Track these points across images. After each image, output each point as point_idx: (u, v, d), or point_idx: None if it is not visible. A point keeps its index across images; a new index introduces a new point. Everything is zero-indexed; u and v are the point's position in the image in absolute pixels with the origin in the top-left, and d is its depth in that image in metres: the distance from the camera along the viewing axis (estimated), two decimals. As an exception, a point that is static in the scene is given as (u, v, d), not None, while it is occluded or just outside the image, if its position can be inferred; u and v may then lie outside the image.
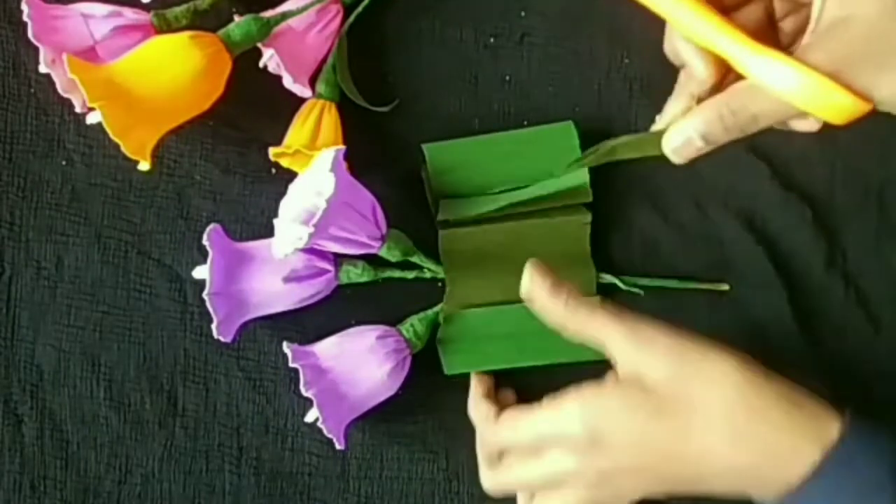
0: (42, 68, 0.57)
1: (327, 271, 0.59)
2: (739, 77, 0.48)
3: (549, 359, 0.60)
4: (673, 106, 0.50)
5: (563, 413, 0.51)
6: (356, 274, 0.60)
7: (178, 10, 0.60)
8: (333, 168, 0.56)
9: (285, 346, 0.58)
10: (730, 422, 0.49)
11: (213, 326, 0.57)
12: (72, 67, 0.54)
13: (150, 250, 0.62)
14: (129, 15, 0.59)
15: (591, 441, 0.50)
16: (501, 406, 0.58)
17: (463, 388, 0.62)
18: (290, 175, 0.61)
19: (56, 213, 0.62)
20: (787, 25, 0.51)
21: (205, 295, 0.57)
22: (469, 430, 0.62)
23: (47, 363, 0.61)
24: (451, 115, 0.63)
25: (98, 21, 0.58)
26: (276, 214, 0.59)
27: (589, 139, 0.63)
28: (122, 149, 0.54)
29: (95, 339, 0.62)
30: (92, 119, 0.56)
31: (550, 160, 0.60)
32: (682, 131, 0.49)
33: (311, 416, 0.58)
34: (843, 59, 0.45)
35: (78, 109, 0.59)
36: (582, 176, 0.60)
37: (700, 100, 0.49)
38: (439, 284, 0.61)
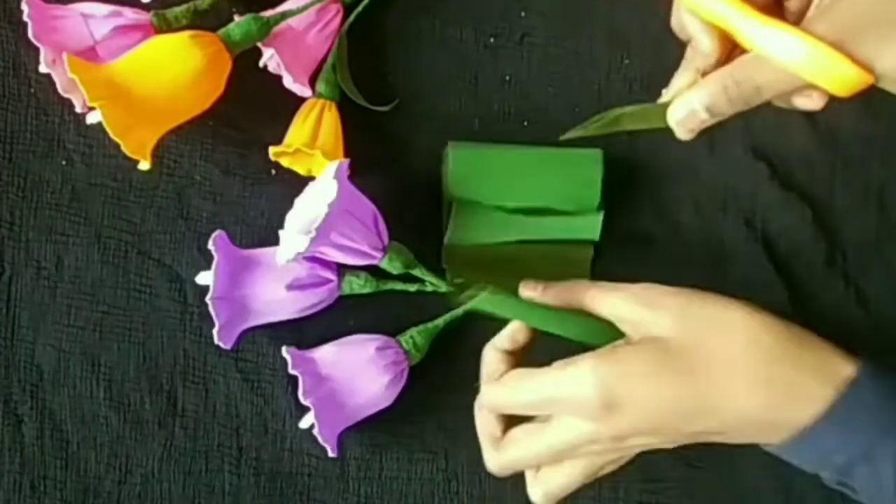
0: (42, 68, 0.57)
1: (330, 281, 0.59)
2: (745, 52, 0.49)
3: (560, 330, 0.58)
4: (679, 79, 0.51)
5: (575, 376, 0.50)
6: (359, 285, 0.60)
7: (178, 9, 0.60)
8: (337, 176, 0.56)
9: (284, 351, 0.58)
10: (748, 367, 0.49)
11: (215, 332, 0.57)
12: (72, 67, 0.54)
13: (150, 250, 0.62)
14: (129, 15, 0.59)
15: (606, 406, 0.49)
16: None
17: (462, 388, 0.62)
18: (291, 176, 0.61)
19: (56, 213, 0.62)
20: (791, 5, 0.52)
21: (208, 299, 0.57)
22: (469, 431, 0.62)
23: (47, 363, 0.61)
24: (451, 115, 0.63)
25: (98, 21, 0.58)
26: (276, 215, 0.59)
27: (587, 139, 0.63)
28: (123, 148, 0.54)
29: (95, 339, 0.62)
30: (92, 119, 0.56)
31: (572, 184, 0.60)
32: (686, 103, 0.49)
33: (305, 422, 0.58)
34: (846, 30, 0.46)
35: (78, 109, 0.59)
36: (594, 230, 0.60)
37: (705, 74, 0.50)
38: (440, 297, 0.61)
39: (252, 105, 0.62)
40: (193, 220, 0.62)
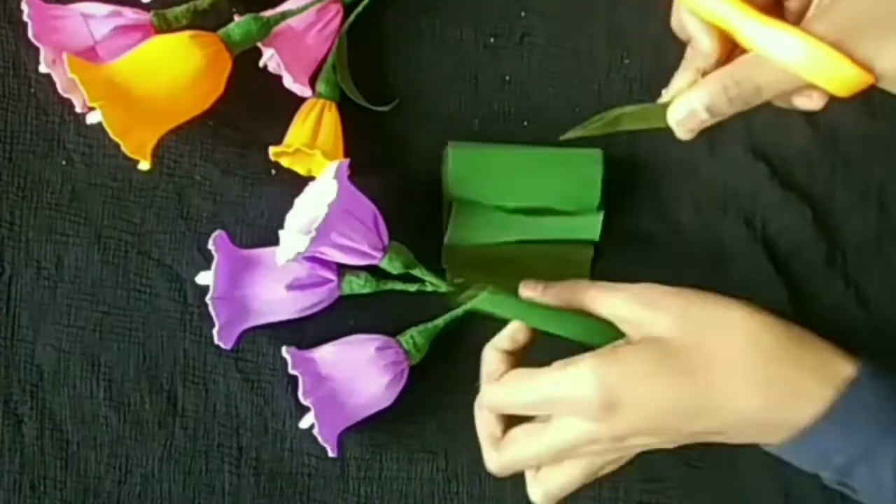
0: (42, 68, 0.57)
1: (330, 280, 0.59)
2: (745, 52, 0.49)
3: (560, 330, 0.57)
4: (679, 79, 0.51)
5: (575, 376, 0.50)
6: (359, 285, 0.60)
7: (178, 9, 0.60)
8: (337, 176, 0.56)
9: (284, 351, 0.58)
10: (748, 367, 0.49)
11: (215, 332, 0.57)
12: (72, 67, 0.54)
13: (150, 250, 0.62)
14: (130, 15, 0.59)
15: (605, 406, 0.49)
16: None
17: (462, 388, 0.62)
18: (291, 176, 0.61)
19: (56, 213, 0.62)
20: (791, 5, 0.52)
21: (208, 299, 0.57)
22: (469, 431, 0.62)
23: (47, 363, 0.61)
24: (451, 115, 0.63)
25: (98, 21, 0.58)
26: (276, 215, 0.59)
27: (588, 139, 0.63)
28: (122, 148, 0.54)
29: (95, 339, 0.62)
30: (92, 119, 0.56)
31: (572, 184, 0.60)
32: (686, 103, 0.49)
33: (305, 422, 0.58)
34: (845, 30, 0.46)
35: (78, 109, 0.59)
36: (594, 230, 0.61)
37: (705, 74, 0.50)
38: (440, 297, 0.61)
39: (252, 105, 0.62)
40: (193, 220, 0.62)
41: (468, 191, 0.60)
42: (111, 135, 0.54)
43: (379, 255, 0.58)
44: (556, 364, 0.51)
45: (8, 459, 0.61)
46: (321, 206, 0.55)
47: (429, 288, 0.61)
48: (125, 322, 0.62)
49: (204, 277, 0.59)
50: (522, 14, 0.63)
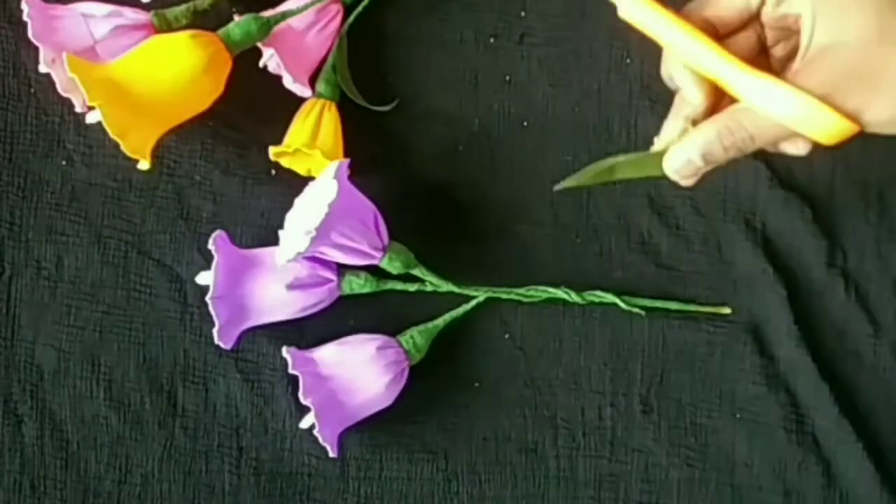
0: (42, 68, 0.57)
1: (330, 280, 0.59)
2: (733, 101, 0.50)
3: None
4: (669, 128, 0.52)
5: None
6: (358, 284, 0.60)
7: (178, 9, 0.60)
8: (337, 175, 0.56)
9: (285, 351, 0.58)
10: None
11: (215, 332, 0.57)
12: (72, 67, 0.54)
13: (150, 250, 0.62)
14: (129, 15, 0.59)
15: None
16: None
17: (462, 388, 0.62)
18: (291, 176, 0.61)
19: (56, 213, 0.62)
20: (777, 52, 0.53)
21: (208, 299, 0.57)
22: (468, 431, 0.62)
23: (47, 363, 0.61)
24: (451, 115, 0.63)
25: (98, 21, 0.58)
26: (275, 215, 0.59)
27: (588, 141, 0.63)
28: (122, 148, 0.54)
29: (95, 340, 0.62)
30: (91, 118, 0.56)
31: None
32: (682, 152, 0.50)
33: (306, 423, 0.58)
34: (832, 83, 0.47)
35: (78, 109, 0.59)
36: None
37: (695, 123, 0.51)
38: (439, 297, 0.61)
39: (252, 105, 0.61)
40: (193, 220, 0.62)
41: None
42: (111, 134, 0.54)
43: (379, 254, 0.58)
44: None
45: (8, 459, 0.61)
46: (321, 206, 0.55)
47: (429, 288, 0.61)
48: (125, 322, 0.62)
49: (204, 277, 0.59)
50: (522, 14, 0.63)
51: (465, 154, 0.63)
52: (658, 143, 0.52)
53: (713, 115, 0.50)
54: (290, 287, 0.58)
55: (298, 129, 0.60)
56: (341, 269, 0.60)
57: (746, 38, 0.52)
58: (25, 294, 0.62)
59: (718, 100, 0.51)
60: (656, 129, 0.62)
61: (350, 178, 0.58)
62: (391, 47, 0.63)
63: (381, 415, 0.59)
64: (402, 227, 0.60)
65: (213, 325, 0.57)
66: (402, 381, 0.59)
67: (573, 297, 0.61)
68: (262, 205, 0.62)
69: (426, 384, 0.61)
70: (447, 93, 0.63)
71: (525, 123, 0.63)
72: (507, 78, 0.63)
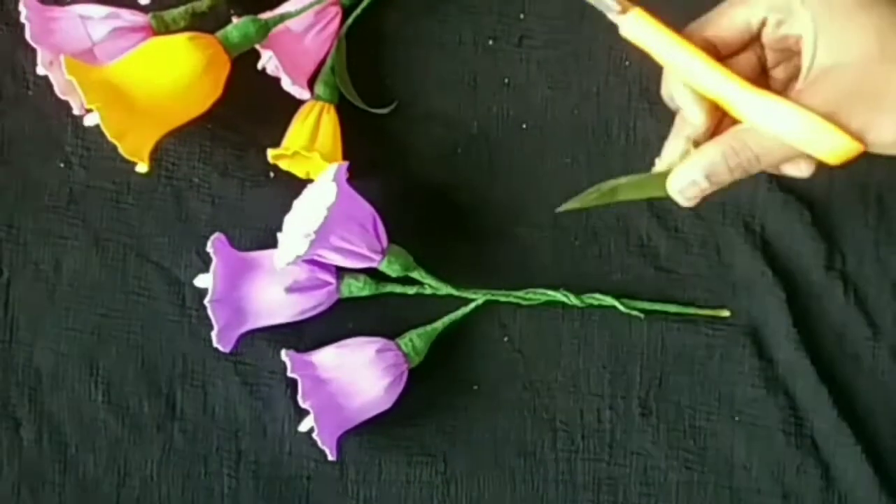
0: (40, 70, 0.57)
1: (329, 283, 0.59)
2: (734, 122, 0.50)
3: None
4: (670, 149, 0.52)
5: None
6: (357, 287, 0.60)
7: (176, 11, 0.59)
8: (336, 178, 0.56)
9: (284, 355, 0.58)
10: None
11: (213, 335, 0.57)
12: (70, 69, 0.53)
13: (148, 253, 0.62)
14: (127, 17, 0.59)
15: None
16: None
17: (461, 391, 0.62)
18: (289, 178, 0.61)
19: (54, 216, 0.62)
20: (777, 74, 0.53)
21: (206, 302, 0.57)
22: (467, 434, 0.62)
23: (46, 366, 0.61)
24: (450, 118, 0.63)
25: (96, 23, 0.58)
26: (274, 218, 0.59)
27: (587, 143, 0.63)
28: (120, 150, 0.54)
29: (94, 343, 0.61)
30: (90, 121, 0.56)
31: None
32: (686, 173, 0.50)
33: (305, 426, 0.58)
34: (836, 102, 0.47)
35: (76, 111, 0.58)
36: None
37: (696, 143, 0.50)
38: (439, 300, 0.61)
39: (250, 107, 0.61)
40: (192, 222, 0.62)
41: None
42: (109, 137, 0.53)
43: (378, 257, 0.58)
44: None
45: (6, 463, 0.61)
46: (320, 209, 0.55)
47: (428, 290, 0.61)
48: (124, 325, 0.62)
49: (202, 280, 0.58)
50: (521, 16, 0.63)
51: (464, 156, 0.63)
52: (660, 164, 0.52)
53: (715, 136, 0.50)
54: (289, 290, 0.58)
55: (297, 132, 0.60)
56: (340, 271, 0.60)
57: (747, 60, 0.52)
58: (24, 297, 0.61)
59: (719, 120, 0.50)
60: (655, 132, 0.62)
61: (349, 180, 0.57)
62: (390, 49, 0.63)
63: (380, 418, 0.59)
64: (401, 230, 0.60)
65: (211, 327, 0.57)
66: (401, 384, 0.59)
67: (572, 299, 0.61)
68: (261, 207, 0.62)
69: (425, 387, 0.61)
70: (446, 95, 0.63)
71: (524, 126, 0.63)
72: (506, 80, 0.63)
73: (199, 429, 0.61)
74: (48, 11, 0.58)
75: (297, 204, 0.58)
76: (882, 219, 0.63)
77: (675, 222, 0.63)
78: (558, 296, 0.61)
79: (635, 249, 0.63)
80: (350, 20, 0.62)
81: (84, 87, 0.53)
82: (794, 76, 0.51)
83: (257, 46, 0.59)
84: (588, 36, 0.63)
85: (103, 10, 0.58)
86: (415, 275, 0.60)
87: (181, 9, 0.60)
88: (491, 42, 0.63)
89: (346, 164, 0.58)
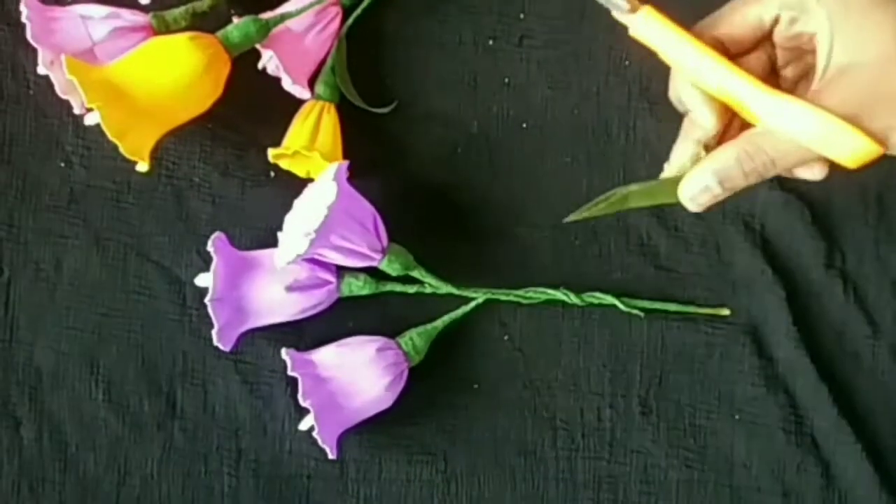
0: (40, 70, 0.57)
1: (329, 282, 0.59)
2: (743, 124, 0.49)
3: None
4: (679, 153, 0.50)
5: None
6: (358, 286, 0.60)
7: (176, 11, 0.60)
8: (336, 177, 0.56)
9: (284, 353, 0.58)
10: None
11: (214, 333, 0.57)
12: (70, 68, 0.54)
13: (148, 252, 0.62)
14: (128, 16, 0.59)
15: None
16: None
17: (462, 390, 0.62)
18: (290, 178, 0.61)
19: (55, 215, 0.62)
20: (788, 73, 0.52)
21: (207, 300, 0.57)
22: (468, 432, 0.62)
23: (46, 365, 0.61)
24: (450, 117, 0.63)
25: (96, 23, 0.58)
26: (274, 217, 0.59)
27: (587, 143, 0.63)
28: (121, 150, 0.54)
29: (94, 341, 0.62)
30: (90, 120, 0.56)
31: None
32: (699, 178, 0.49)
33: (305, 424, 0.58)
34: (857, 104, 0.46)
35: (76, 111, 0.58)
36: None
37: (707, 146, 0.49)
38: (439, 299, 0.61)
39: (251, 107, 0.61)
40: (192, 221, 0.62)
41: None
42: (109, 136, 0.54)
43: (378, 256, 0.58)
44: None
45: (6, 461, 0.61)
46: (320, 208, 0.55)
47: (428, 289, 0.61)
48: (124, 324, 0.62)
49: (203, 279, 0.59)
50: (521, 16, 0.63)
51: (465, 156, 0.63)
52: (669, 169, 0.51)
53: (725, 139, 0.49)
54: (290, 289, 0.58)
55: (297, 131, 0.60)
56: (340, 270, 0.60)
57: (757, 59, 0.51)
58: (24, 296, 0.61)
59: (728, 123, 0.49)
60: (655, 132, 0.62)
61: (349, 179, 0.58)
62: (390, 49, 0.63)
63: (380, 417, 0.59)
64: (402, 229, 0.60)
65: (212, 326, 0.57)
66: (402, 382, 0.59)
67: (572, 298, 0.61)
68: (261, 207, 0.62)
69: (425, 386, 0.61)
70: (446, 95, 0.63)
71: (524, 125, 0.63)
72: (506, 80, 0.63)
73: (199, 427, 0.61)
74: (49, 11, 0.58)
75: (298, 203, 0.58)
76: (882, 217, 0.63)
77: (675, 221, 0.63)
78: (558, 294, 0.61)
79: (635, 248, 0.63)
80: (350, 20, 0.62)
81: (85, 87, 0.53)
82: (804, 76, 0.51)
83: (258, 46, 0.59)
84: (588, 36, 0.63)
85: (104, 9, 0.59)
86: (415, 274, 0.60)
87: (182, 8, 0.60)
88: (491, 42, 0.63)
89: (346, 163, 0.58)
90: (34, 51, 0.57)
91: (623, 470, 0.62)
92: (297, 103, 0.61)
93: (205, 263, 0.60)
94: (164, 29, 0.59)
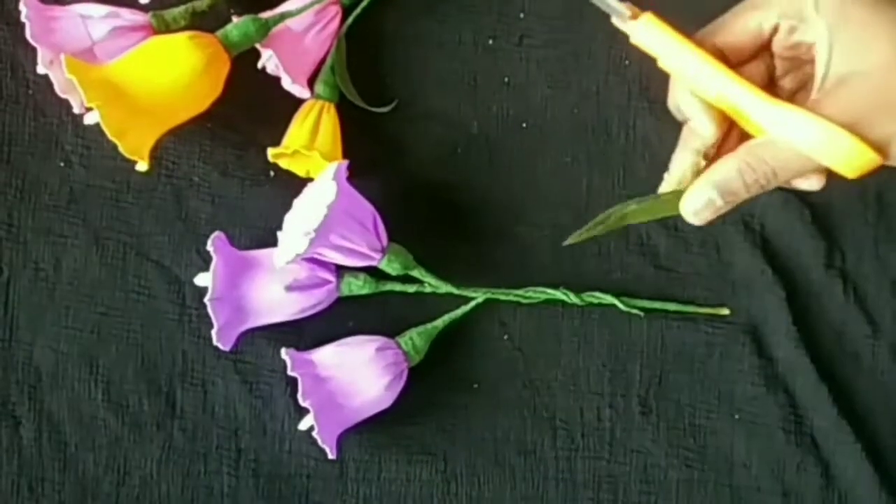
0: (40, 69, 0.57)
1: (329, 282, 0.59)
2: (742, 133, 0.48)
3: None
4: (678, 163, 0.50)
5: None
6: (357, 286, 0.60)
7: (176, 11, 0.59)
8: (336, 177, 0.56)
9: (284, 353, 0.58)
10: None
11: (213, 333, 0.57)
12: (70, 68, 0.54)
13: (148, 252, 0.62)
14: (127, 16, 0.59)
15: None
16: None
17: (461, 389, 0.62)
18: (289, 177, 0.61)
19: (54, 215, 0.62)
20: (786, 83, 0.51)
21: (206, 300, 0.57)
22: (467, 432, 0.62)
23: (45, 365, 0.61)
24: (450, 117, 0.63)
25: (96, 22, 0.58)
26: (274, 217, 0.59)
27: (587, 142, 0.63)
28: (120, 149, 0.54)
29: (94, 341, 0.61)
30: (90, 119, 0.56)
31: None
32: (701, 192, 0.48)
33: (305, 424, 0.58)
34: (857, 113, 0.46)
35: (76, 110, 0.58)
36: None
37: (706, 156, 0.49)
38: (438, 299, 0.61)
39: (250, 106, 0.61)
40: (192, 221, 0.62)
41: None
42: (109, 136, 0.53)
43: (378, 256, 0.58)
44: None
45: (6, 461, 0.61)
46: (320, 208, 0.55)
47: (428, 289, 0.61)
48: (124, 324, 0.62)
49: (202, 279, 0.59)
50: (521, 16, 0.63)
51: (464, 155, 0.63)
52: (668, 178, 0.51)
53: (724, 149, 0.48)
54: (289, 288, 0.58)
55: (297, 131, 0.60)
56: (340, 270, 0.60)
57: (755, 69, 0.50)
58: (23, 295, 0.61)
59: (727, 132, 0.49)
60: (655, 131, 0.62)
61: (349, 179, 0.58)
62: (390, 49, 0.63)
63: (380, 416, 0.59)
64: (401, 229, 0.60)
65: (211, 326, 0.57)
66: (401, 382, 0.59)
67: (572, 298, 0.61)
68: (261, 206, 0.62)
69: (425, 385, 0.61)
70: (446, 94, 0.63)
71: (524, 125, 0.63)
72: (506, 79, 0.63)
73: (198, 427, 0.61)
74: (48, 10, 0.58)
75: (298, 202, 0.58)
76: (881, 217, 0.63)
77: (675, 221, 0.63)
78: (558, 294, 0.61)
79: (635, 248, 0.63)
80: (350, 19, 0.62)
81: (84, 86, 0.53)
82: (802, 86, 0.51)
83: (257, 45, 0.59)
84: (588, 35, 0.63)
85: (103, 9, 0.58)
86: (415, 273, 0.60)
87: (181, 8, 0.60)
88: (491, 41, 0.63)
89: (346, 162, 0.58)
90: (33, 50, 0.57)
91: (623, 470, 0.62)
92: (297, 102, 0.61)
93: (204, 263, 0.60)
94: (164, 28, 0.59)
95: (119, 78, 0.56)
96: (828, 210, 0.63)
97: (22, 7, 0.57)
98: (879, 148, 0.46)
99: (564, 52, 0.63)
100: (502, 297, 0.61)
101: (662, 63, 0.49)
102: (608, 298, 0.61)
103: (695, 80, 0.48)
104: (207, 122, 0.61)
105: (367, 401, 0.59)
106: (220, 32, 0.58)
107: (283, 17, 0.59)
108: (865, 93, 0.46)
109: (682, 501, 0.62)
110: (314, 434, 0.57)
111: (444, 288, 0.61)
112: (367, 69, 0.62)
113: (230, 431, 0.61)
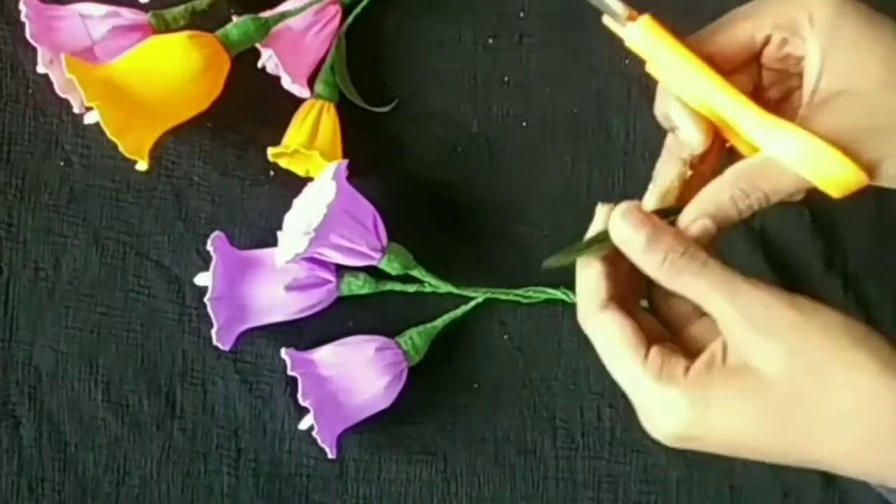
0: (40, 68, 0.57)
1: (329, 281, 0.59)
2: (725, 142, 0.48)
3: None
4: (665, 172, 0.50)
5: (665, 399, 0.45)
6: (357, 286, 0.60)
7: (176, 10, 0.60)
8: (335, 176, 0.56)
9: (284, 353, 0.58)
10: (860, 431, 0.43)
11: (213, 333, 0.57)
12: (70, 67, 0.54)
13: (148, 252, 0.62)
14: (127, 15, 0.59)
15: (680, 439, 0.45)
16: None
17: (461, 389, 0.62)
18: (289, 177, 0.61)
19: (54, 214, 0.62)
20: (771, 94, 0.51)
21: (206, 300, 0.57)
22: (467, 432, 0.62)
23: (45, 364, 0.61)
24: (450, 116, 0.63)
25: (96, 21, 0.58)
26: (274, 216, 0.59)
27: (587, 141, 0.63)
28: (120, 149, 0.54)
29: (93, 341, 0.61)
30: (90, 119, 0.56)
31: None
32: (696, 224, 0.47)
33: (305, 424, 0.58)
34: (847, 132, 0.45)
35: (76, 110, 0.58)
36: None
37: (692, 165, 0.48)
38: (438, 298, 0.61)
39: (250, 106, 0.61)
40: (192, 221, 0.62)
41: None
42: (109, 135, 0.53)
43: (378, 255, 0.58)
44: (653, 366, 0.46)
45: (6, 461, 0.61)
46: (320, 207, 0.55)
47: (427, 289, 0.61)
48: (123, 323, 0.62)
49: (202, 278, 0.59)
50: (521, 15, 0.63)
51: (464, 155, 0.63)
52: (653, 188, 0.50)
53: (709, 157, 0.48)
54: (289, 288, 0.58)
55: (297, 130, 0.60)
56: (340, 270, 0.60)
57: (741, 79, 0.49)
58: (23, 295, 0.61)
59: (714, 141, 0.48)
60: (654, 130, 0.62)
61: (349, 178, 0.58)
62: (390, 48, 0.63)
63: (379, 416, 0.59)
64: (401, 228, 0.60)
65: (211, 326, 0.57)
66: (401, 382, 0.59)
67: (572, 297, 0.61)
68: (261, 206, 0.62)
69: (425, 385, 0.61)
70: (446, 93, 0.63)
71: (524, 124, 0.63)
72: (506, 79, 0.63)
73: (198, 427, 0.61)
74: (48, 10, 0.58)
75: (297, 202, 0.58)
76: (882, 216, 0.63)
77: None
78: (558, 294, 0.61)
79: (635, 248, 0.62)
80: (350, 19, 0.62)
81: (84, 86, 0.53)
82: (785, 98, 0.50)
83: (257, 45, 0.59)
84: (588, 35, 0.63)
85: (103, 8, 0.59)
86: (415, 273, 0.60)
87: (181, 7, 0.60)
88: (491, 40, 0.63)
89: (345, 162, 0.58)
90: (33, 50, 0.57)
91: (623, 469, 0.62)
92: (297, 102, 0.61)
93: (204, 262, 0.60)
94: (164, 28, 0.59)
95: (119, 77, 0.56)
96: (828, 210, 0.63)
97: (22, 7, 0.57)
98: (868, 168, 0.45)
99: (564, 52, 0.63)
100: (502, 297, 0.61)
101: (651, 68, 0.48)
102: None
103: (687, 88, 0.47)
104: (207, 122, 0.61)
105: (367, 400, 0.59)
106: (219, 32, 0.58)
107: (282, 16, 0.59)
108: (856, 112, 0.45)
109: (683, 501, 0.62)
110: (314, 434, 0.57)
111: (444, 288, 0.61)
112: (367, 69, 0.62)
113: (230, 431, 0.61)
